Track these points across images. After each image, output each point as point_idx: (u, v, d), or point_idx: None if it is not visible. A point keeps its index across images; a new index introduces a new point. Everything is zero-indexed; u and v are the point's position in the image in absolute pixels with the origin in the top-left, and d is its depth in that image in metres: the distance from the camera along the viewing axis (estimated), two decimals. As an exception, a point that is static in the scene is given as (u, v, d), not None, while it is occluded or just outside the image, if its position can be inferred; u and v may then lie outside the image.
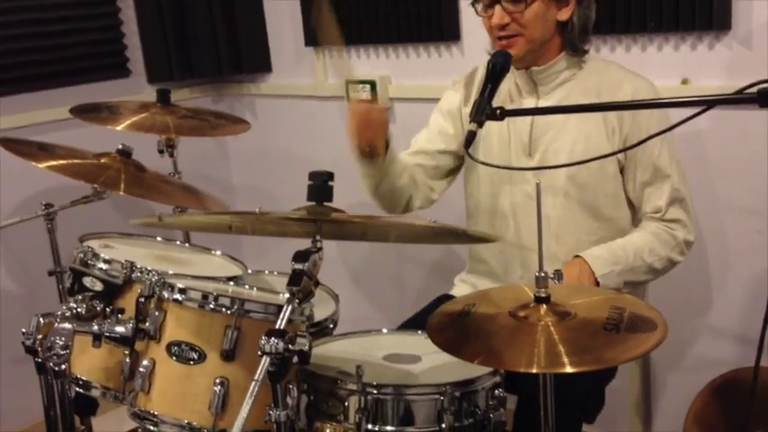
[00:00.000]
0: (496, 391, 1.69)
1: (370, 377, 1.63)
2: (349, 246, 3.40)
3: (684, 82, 2.37)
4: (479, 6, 2.02)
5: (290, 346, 1.35)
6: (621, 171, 2.08)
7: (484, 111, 1.65)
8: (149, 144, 2.73)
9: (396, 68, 3.07)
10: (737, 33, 2.25)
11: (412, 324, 2.17)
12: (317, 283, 1.43)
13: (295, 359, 1.40)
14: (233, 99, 3.70)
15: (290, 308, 1.39)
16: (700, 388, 2.28)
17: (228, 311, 1.64)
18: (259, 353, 1.35)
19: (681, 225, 2.06)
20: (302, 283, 1.40)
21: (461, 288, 2.33)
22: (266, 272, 2.36)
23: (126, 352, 1.76)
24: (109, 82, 3.32)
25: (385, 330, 2.00)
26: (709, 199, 2.36)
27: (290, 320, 1.68)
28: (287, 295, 1.44)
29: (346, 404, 1.63)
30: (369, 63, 3.14)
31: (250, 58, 3.50)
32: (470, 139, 1.65)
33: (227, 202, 2.61)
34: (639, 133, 2.01)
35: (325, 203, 1.48)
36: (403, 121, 3.09)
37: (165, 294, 1.68)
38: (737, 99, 1.34)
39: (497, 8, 1.95)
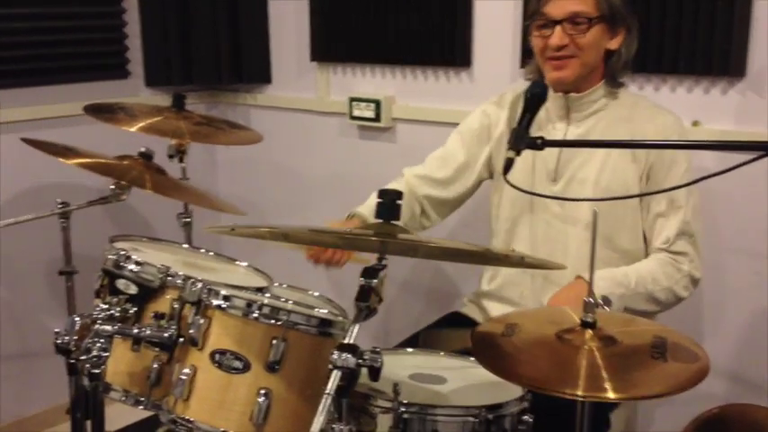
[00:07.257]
0: (524, 417, 1.71)
1: (402, 395, 1.64)
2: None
3: (695, 124, 2.45)
4: (534, 25, 2.05)
5: (360, 361, 1.36)
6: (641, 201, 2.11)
7: (523, 139, 1.69)
8: (156, 148, 2.69)
9: (402, 89, 3.09)
10: (751, 80, 2.34)
11: (419, 338, 2.20)
12: (380, 300, 1.44)
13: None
14: (227, 107, 3.68)
15: (358, 323, 1.39)
16: (686, 422, 2.33)
17: (277, 322, 1.63)
18: (330, 366, 1.35)
19: (687, 259, 2.08)
20: (370, 299, 1.41)
21: (470, 309, 2.36)
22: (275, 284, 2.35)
23: (160, 357, 1.74)
24: (106, 82, 3.28)
25: (410, 349, 2.01)
26: (710, 238, 2.43)
27: (329, 334, 1.71)
28: (352, 310, 1.45)
29: (377, 421, 1.65)
30: (374, 82, 3.16)
31: (250, 68, 3.49)
32: (508, 166, 1.69)
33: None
34: (663, 164, 2.06)
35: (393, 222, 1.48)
36: (404, 142, 3.12)
37: (213, 302, 1.66)
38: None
39: (558, 29, 1.99)
